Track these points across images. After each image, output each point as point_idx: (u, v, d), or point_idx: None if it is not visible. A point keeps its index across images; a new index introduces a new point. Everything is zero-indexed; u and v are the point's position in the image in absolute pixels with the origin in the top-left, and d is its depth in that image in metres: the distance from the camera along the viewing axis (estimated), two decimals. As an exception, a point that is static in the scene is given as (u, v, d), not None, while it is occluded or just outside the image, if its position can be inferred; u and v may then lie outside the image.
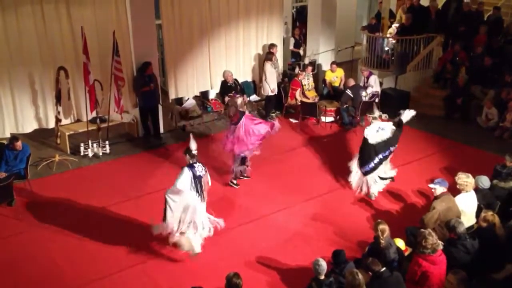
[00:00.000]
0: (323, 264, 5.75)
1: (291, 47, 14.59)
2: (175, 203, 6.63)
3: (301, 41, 14.56)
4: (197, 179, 6.75)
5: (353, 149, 10.54)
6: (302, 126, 11.78)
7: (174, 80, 11.50)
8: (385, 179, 8.74)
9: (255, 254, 7.29)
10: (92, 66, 9.74)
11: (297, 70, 13.13)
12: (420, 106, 12.44)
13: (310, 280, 5.91)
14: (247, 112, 9.16)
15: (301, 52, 14.48)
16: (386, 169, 8.78)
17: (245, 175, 9.25)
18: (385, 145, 8.46)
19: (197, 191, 6.76)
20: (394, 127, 8.63)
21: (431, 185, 7.18)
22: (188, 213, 6.69)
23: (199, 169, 6.82)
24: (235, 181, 9.12)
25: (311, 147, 10.77)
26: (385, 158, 8.52)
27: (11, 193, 8.10)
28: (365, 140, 8.51)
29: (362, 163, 8.52)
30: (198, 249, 7.06)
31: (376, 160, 8.40)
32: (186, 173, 6.68)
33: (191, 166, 6.78)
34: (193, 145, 6.90)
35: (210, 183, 7.16)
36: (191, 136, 7.10)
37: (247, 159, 9.03)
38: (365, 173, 8.51)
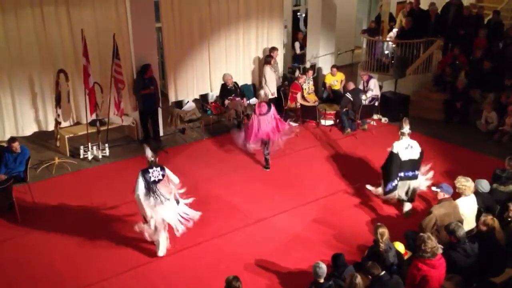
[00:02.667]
0: (324, 267, 5.75)
1: (298, 51, 14.64)
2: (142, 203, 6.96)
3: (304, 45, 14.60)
4: (151, 184, 6.90)
5: (352, 152, 10.56)
6: (301, 129, 11.78)
7: (174, 83, 11.51)
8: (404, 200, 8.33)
9: (254, 257, 7.28)
10: (92, 69, 9.74)
11: (297, 73, 13.14)
12: (419, 110, 12.53)
13: (309, 284, 5.91)
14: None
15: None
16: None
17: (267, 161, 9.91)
18: (411, 164, 8.02)
19: (152, 195, 6.91)
20: (421, 149, 8.18)
21: (434, 188, 7.17)
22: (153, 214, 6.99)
23: (155, 174, 6.95)
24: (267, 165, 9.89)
25: (310, 150, 10.77)
26: (407, 178, 8.08)
27: (10, 196, 8.08)
28: (394, 155, 7.98)
29: (385, 182, 8.10)
30: (161, 252, 7.26)
31: (402, 174, 8.00)
32: (139, 180, 6.91)
33: (144, 172, 6.94)
34: (148, 154, 7.07)
35: (176, 181, 7.20)
36: (145, 145, 7.31)
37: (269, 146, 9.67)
38: (385, 193, 8.18)
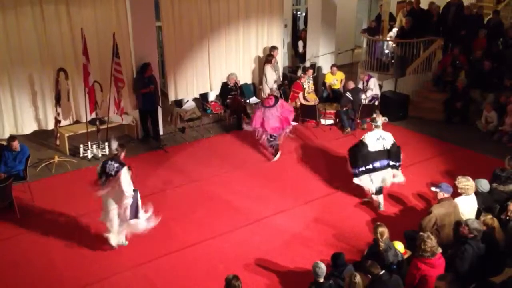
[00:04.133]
0: (323, 267, 5.75)
1: (301, 50, 14.65)
2: None
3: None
4: (104, 173, 7.02)
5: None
6: (301, 128, 11.78)
7: (173, 82, 11.51)
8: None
9: (254, 256, 7.28)
10: (92, 68, 9.74)
11: (299, 72, 13.14)
12: (419, 110, 12.54)
13: (309, 284, 5.91)
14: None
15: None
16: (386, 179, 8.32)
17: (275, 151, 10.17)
18: (381, 155, 8.10)
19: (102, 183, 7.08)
20: (394, 140, 8.25)
21: (433, 188, 7.18)
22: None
23: (110, 167, 6.99)
24: (277, 155, 10.15)
25: (310, 149, 10.78)
26: (381, 168, 8.14)
27: (10, 194, 8.08)
28: (362, 144, 8.18)
29: (352, 166, 8.29)
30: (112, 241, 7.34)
31: (370, 166, 8.12)
32: (98, 167, 7.18)
33: (105, 162, 7.13)
34: (113, 145, 7.23)
35: (125, 189, 6.93)
36: (111, 138, 7.61)
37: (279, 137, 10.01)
38: (355, 175, 8.28)
